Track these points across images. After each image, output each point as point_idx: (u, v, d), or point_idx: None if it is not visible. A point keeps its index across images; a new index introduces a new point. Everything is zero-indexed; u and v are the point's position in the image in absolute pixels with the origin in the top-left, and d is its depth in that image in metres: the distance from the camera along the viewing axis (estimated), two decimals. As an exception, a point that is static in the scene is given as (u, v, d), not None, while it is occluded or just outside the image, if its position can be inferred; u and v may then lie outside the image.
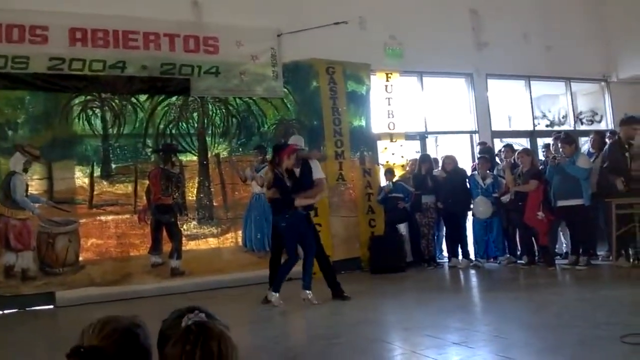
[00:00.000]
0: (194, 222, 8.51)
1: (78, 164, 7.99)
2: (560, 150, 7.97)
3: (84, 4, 7.82)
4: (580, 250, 7.87)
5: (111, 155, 8.17)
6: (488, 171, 9.00)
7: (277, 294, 6.42)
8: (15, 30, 7.58)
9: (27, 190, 7.60)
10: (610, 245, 7.93)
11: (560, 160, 7.81)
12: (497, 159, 9.70)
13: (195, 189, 8.59)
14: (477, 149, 10.24)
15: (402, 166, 9.73)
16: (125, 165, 8.22)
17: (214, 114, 8.81)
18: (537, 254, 8.41)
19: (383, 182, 9.50)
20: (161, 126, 8.46)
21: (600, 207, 8.13)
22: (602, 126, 12.04)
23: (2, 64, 7.52)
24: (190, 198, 8.54)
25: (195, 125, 8.68)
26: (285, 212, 6.47)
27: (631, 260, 7.52)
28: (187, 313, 1.44)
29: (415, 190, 9.12)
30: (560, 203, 7.86)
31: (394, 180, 9.31)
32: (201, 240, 8.52)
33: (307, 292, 6.46)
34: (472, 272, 8.50)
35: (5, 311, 7.26)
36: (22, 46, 7.60)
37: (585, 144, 9.80)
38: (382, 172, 9.59)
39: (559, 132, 9.16)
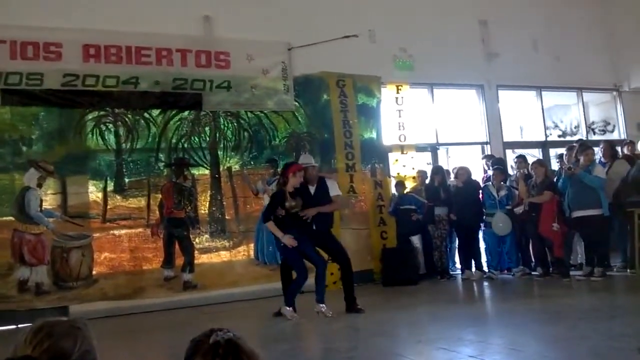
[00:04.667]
0: (206, 236, 8.54)
1: (91, 179, 8.07)
2: (582, 158, 7.88)
3: (97, 20, 7.95)
4: (595, 261, 7.79)
5: (124, 170, 8.24)
6: (502, 182, 8.96)
7: (291, 308, 6.40)
8: (29, 48, 7.70)
9: (41, 205, 7.66)
10: (633, 256, 7.84)
11: (575, 171, 7.75)
12: (510, 170, 9.67)
13: (208, 203, 8.63)
14: (483, 162, 10.18)
15: (413, 178, 9.71)
16: (138, 180, 8.29)
17: (225, 128, 8.87)
18: (551, 265, 8.34)
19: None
20: (173, 140, 8.53)
21: (615, 217, 8.06)
22: (615, 136, 11.96)
23: (17, 81, 7.63)
24: (202, 211, 8.58)
25: (207, 139, 8.74)
26: (286, 230, 6.39)
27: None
28: (216, 331, 1.39)
29: (428, 201, 9.09)
30: (577, 214, 7.78)
31: (405, 191, 9.29)
32: (213, 253, 8.54)
33: (321, 305, 6.44)
34: (486, 284, 8.44)
35: (20, 325, 7.30)
36: (36, 63, 7.72)
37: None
38: (393, 183, 9.58)
39: (577, 141, 9.11)
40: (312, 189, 6.69)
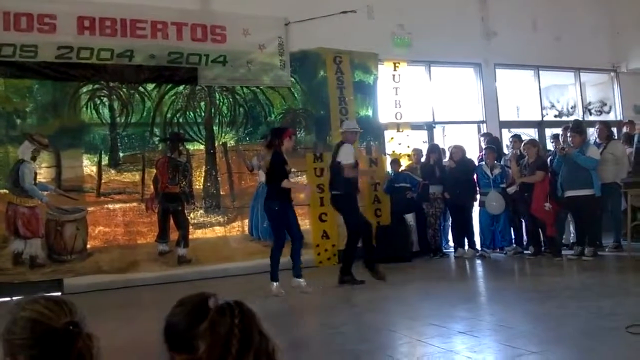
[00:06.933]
0: (201, 211, 8.55)
1: (86, 153, 8.04)
2: (569, 139, 7.91)
3: (91, -8, 7.84)
4: (587, 241, 7.83)
5: (119, 144, 8.22)
6: (496, 161, 8.97)
7: (277, 283, 6.44)
8: (23, 19, 7.59)
9: (35, 178, 7.65)
10: (618, 236, 7.90)
11: (568, 151, 7.76)
12: (506, 149, 9.66)
13: (202, 178, 8.63)
14: (481, 140, 10.20)
15: (409, 156, 9.72)
16: (133, 154, 8.27)
17: (221, 103, 8.82)
18: (543, 244, 8.40)
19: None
20: (168, 115, 8.49)
21: (609, 196, 8.08)
22: (611, 117, 11.96)
23: (11, 53, 7.55)
24: (197, 187, 8.58)
25: (203, 114, 8.69)
26: (280, 197, 6.47)
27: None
28: (205, 298, 1.37)
29: (423, 180, 9.10)
30: (568, 193, 7.80)
31: (400, 169, 9.31)
32: (208, 228, 8.56)
33: (300, 280, 6.52)
34: (478, 262, 8.50)
35: (14, 298, 7.33)
36: (30, 35, 7.62)
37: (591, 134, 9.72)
38: (388, 161, 9.59)
39: (573, 121, 9.09)
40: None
